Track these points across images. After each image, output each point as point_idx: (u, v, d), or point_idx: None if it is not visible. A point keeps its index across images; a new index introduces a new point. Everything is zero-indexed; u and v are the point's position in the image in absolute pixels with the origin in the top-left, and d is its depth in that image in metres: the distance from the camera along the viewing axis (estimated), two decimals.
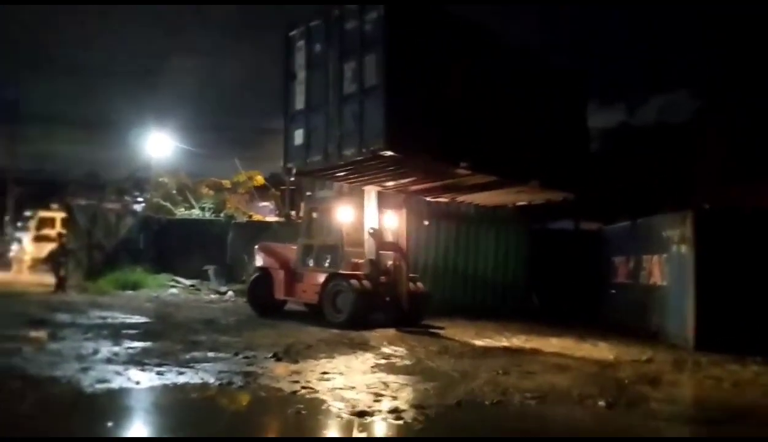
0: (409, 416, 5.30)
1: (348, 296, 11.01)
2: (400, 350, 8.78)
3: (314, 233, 12.34)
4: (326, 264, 11.81)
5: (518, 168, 10.93)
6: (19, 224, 24.96)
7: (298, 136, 10.06)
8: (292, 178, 10.70)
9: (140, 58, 77.70)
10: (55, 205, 23.77)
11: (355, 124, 9.24)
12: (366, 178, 10.87)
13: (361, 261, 11.59)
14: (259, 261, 13.21)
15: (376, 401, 5.72)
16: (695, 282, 10.68)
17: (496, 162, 10.47)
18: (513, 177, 11.18)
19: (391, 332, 10.62)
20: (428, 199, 13.35)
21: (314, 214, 12.56)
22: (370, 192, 11.45)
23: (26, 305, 11.74)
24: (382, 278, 11.39)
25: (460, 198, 13.13)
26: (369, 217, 11.43)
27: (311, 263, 12.08)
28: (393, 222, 11.82)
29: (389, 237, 11.76)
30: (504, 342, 10.43)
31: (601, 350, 10.11)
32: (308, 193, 13.69)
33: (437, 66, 9.57)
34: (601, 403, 6.14)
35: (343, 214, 11.87)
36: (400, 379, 6.81)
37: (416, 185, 11.64)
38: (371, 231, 11.37)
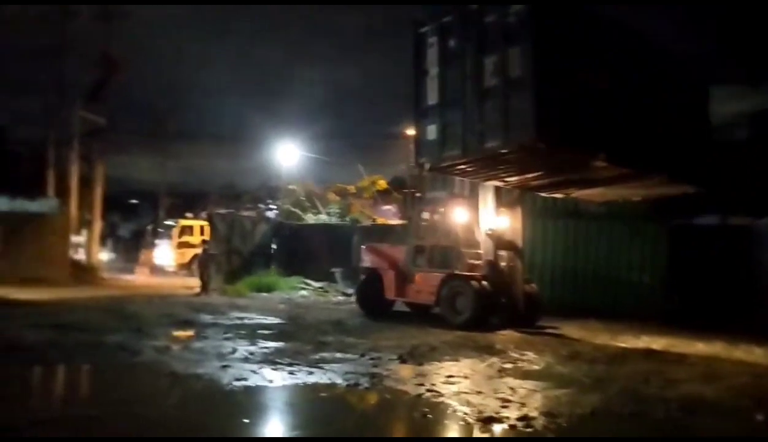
0: (539, 424, 5.07)
1: (468, 297, 10.90)
2: (529, 354, 8.46)
3: (426, 234, 12.28)
4: (441, 265, 11.74)
5: (650, 161, 10.27)
6: (160, 231, 26.64)
7: (431, 132, 10.06)
8: (425, 173, 10.63)
9: (266, 72, 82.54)
10: (189, 215, 26.16)
11: (499, 117, 9.11)
12: (494, 173, 10.70)
13: (477, 262, 11.42)
14: (366, 262, 13.30)
15: (503, 407, 5.54)
16: None
17: (630, 155, 9.90)
18: (645, 170, 10.49)
19: (514, 334, 10.37)
20: (542, 195, 12.88)
21: (425, 215, 12.51)
22: (487, 191, 11.24)
23: (173, 306, 12.79)
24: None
25: (575, 194, 12.50)
26: (486, 217, 11.24)
27: (423, 263, 12.04)
28: (507, 221, 11.49)
29: (505, 237, 11.46)
30: (641, 346, 9.72)
31: (757, 357, 9.10)
32: (417, 195, 13.70)
33: (580, 58, 9.28)
34: (759, 417, 5.49)
35: (458, 214, 11.73)
36: (529, 384, 6.55)
37: (540, 180, 11.24)
38: (489, 232, 11.17)
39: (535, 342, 9.64)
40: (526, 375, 7.10)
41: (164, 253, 24.01)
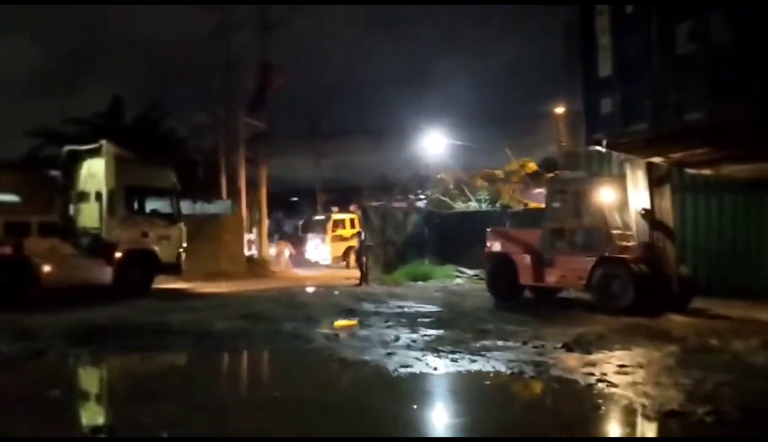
0: (732, 418, 4.60)
1: (626, 281, 10.29)
2: (713, 342, 7.71)
3: (565, 216, 11.64)
4: (586, 248, 11.08)
5: None
6: (311, 225, 26.41)
7: (607, 105, 9.56)
8: (603, 149, 9.94)
9: (416, 62, 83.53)
10: (335, 209, 26.79)
11: (702, 87, 8.42)
12: (667, 148, 9.94)
13: (628, 244, 10.67)
14: (496, 247, 12.88)
15: (688, 400, 5.10)
16: None
17: None
18: None
19: (688, 319, 9.66)
20: (690, 171, 11.81)
21: (562, 196, 11.82)
22: (638, 169, 10.42)
23: (337, 296, 13.49)
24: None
25: (726, 169, 11.32)
26: (638, 196, 10.48)
27: (564, 247, 11.46)
28: (654, 199, 10.52)
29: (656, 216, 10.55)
30: None
31: None
32: (550, 175, 12.96)
33: None
34: None
35: (606, 194, 11.01)
36: (716, 376, 5.95)
37: (707, 155, 10.27)
38: (642, 212, 10.41)
39: (718, 328, 8.78)
40: (710, 366, 6.48)
41: (317, 247, 24.44)
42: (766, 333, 8.32)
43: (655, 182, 10.60)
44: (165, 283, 14.80)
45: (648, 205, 10.47)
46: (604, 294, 10.62)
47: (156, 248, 13.76)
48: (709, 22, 8.04)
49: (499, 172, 23.99)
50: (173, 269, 14.34)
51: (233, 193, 23.25)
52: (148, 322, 9.52)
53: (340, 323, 9.74)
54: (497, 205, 21.45)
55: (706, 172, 11.99)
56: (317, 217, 26.76)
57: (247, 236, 23.02)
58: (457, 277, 17.43)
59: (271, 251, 24.20)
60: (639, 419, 4.81)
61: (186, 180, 16.50)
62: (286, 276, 20.53)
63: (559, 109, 26.46)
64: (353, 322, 9.82)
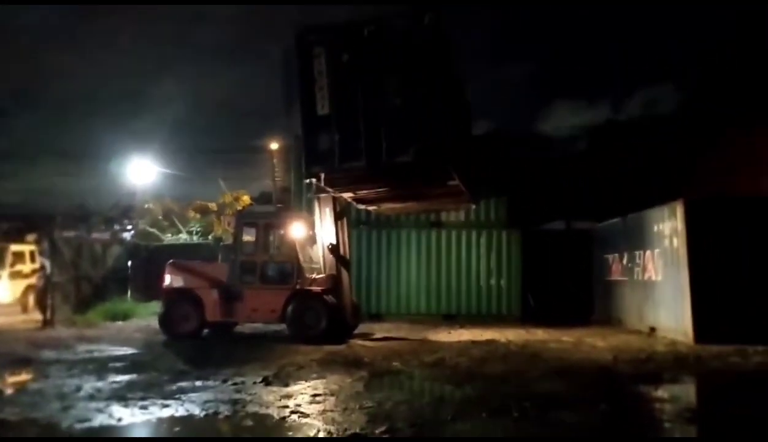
0: (404, 435, 5.08)
1: (319, 311, 10.97)
2: (395, 364, 8.54)
3: (256, 249, 11.89)
4: (277, 281, 11.49)
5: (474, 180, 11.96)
6: None
7: (324, 142, 9.91)
8: (319, 182, 10.32)
9: (124, 85, 77.60)
10: (30, 238, 21.70)
11: (409, 133, 9.43)
12: (365, 185, 11.00)
13: (317, 276, 11.42)
14: (176, 282, 12.09)
15: (369, 421, 5.49)
16: (690, 275, 10.53)
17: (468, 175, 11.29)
18: (472, 190, 11.99)
19: (373, 344, 10.80)
20: (360, 207, 13.47)
21: (253, 230, 12.07)
22: (326, 204, 11.31)
23: (8, 343, 11.36)
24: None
25: (384, 207, 13.48)
26: (326, 230, 11.32)
27: (255, 280, 11.60)
28: (338, 233, 11.52)
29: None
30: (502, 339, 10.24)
31: (600, 351, 9.93)
32: (239, 209, 13.47)
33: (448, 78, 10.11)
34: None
35: (295, 228, 11.65)
36: (395, 396, 6.57)
37: (385, 193, 11.83)
38: (330, 246, 11.28)
39: (402, 350, 9.80)
40: (392, 387, 7.13)
41: None
42: (437, 351, 9.58)
43: (337, 217, 11.51)
44: None
45: (334, 240, 11.27)
46: (299, 325, 11.02)
47: None
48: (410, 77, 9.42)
49: (213, 205, 23.52)
50: None
51: None
52: None
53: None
54: (210, 237, 20.91)
55: (371, 208, 13.66)
56: None
57: None
58: None
59: None
60: None
61: None
62: None
63: (274, 145, 27.19)
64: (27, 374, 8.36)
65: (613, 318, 14.04)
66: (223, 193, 23.93)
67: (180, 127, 66.53)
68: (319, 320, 10.93)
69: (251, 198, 24.20)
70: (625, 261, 13.72)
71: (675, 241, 11.11)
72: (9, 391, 7.25)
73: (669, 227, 11.38)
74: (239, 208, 23.50)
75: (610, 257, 14.65)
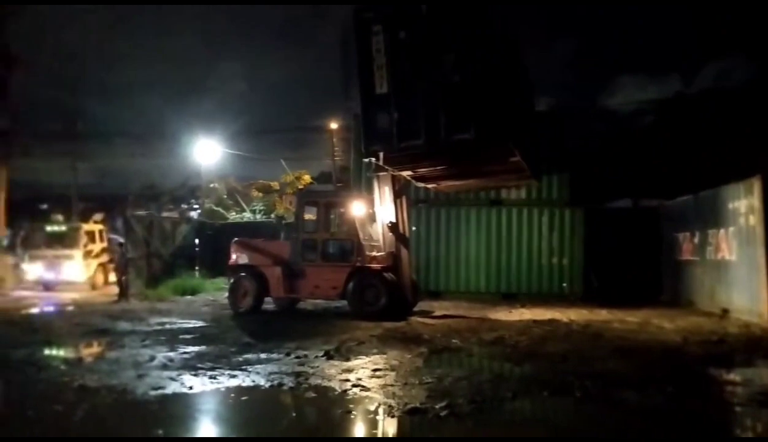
0: (463, 411, 5.11)
1: (379, 289, 11.07)
2: (454, 341, 8.56)
3: (317, 228, 12.10)
4: (338, 259, 11.67)
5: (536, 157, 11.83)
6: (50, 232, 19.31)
7: (383, 120, 9.98)
8: (378, 161, 10.36)
9: (184, 66, 79.79)
10: (97, 217, 21.23)
11: (469, 112, 9.35)
12: (423, 163, 10.95)
13: (377, 254, 11.47)
14: (242, 259, 12.45)
15: (428, 397, 5.54)
16: (767, 254, 10.01)
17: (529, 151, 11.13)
18: (534, 166, 11.84)
19: (433, 321, 10.76)
20: (419, 185, 13.32)
21: (314, 209, 12.27)
22: (385, 183, 11.30)
23: (89, 315, 12.05)
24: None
25: (442, 185, 13.28)
26: (385, 209, 11.32)
27: (316, 258, 11.80)
28: (397, 212, 11.54)
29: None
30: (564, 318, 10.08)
31: (668, 333, 9.61)
32: (299, 188, 13.64)
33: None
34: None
35: (356, 207, 11.72)
36: (455, 372, 6.60)
37: (445, 171, 11.75)
38: (389, 224, 11.28)
39: (460, 327, 9.80)
40: (452, 363, 7.15)
41: (66, 264, 18.67)
42: (496, 330, 9.52)
43: (397, 195, 11.53)
44: None
45: (393, 218, 11.30)
46: (359, 302, 11.16)
47: None
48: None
49: (275, 184, 24.05)
50: None
51: None
52: None
53: None
54: (272, 216, 21.42)
55: (431, 186, 13.53)
56: (55, 228, 19.78)
57: None
58: None
59: (31, 269, 18.72)
60: (384, 419, 5.06)
61: None
62: (29, 296, 17.84)
63: (334, 124, 27.44)
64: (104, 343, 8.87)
65: (682, 299, 13.53)
66: (285, 173, 24.41)
67: (242, 108, 68.06)
68: (378, 297, 11.05)
69: (312, 177, 24.57)
70: (696, 240, 13.16)
71: (751, 219, 10.57)
72: (89, 359, 7.72)
73: (744, 204, 10.82)
74: (299, 187, 23.99)
75: (680, 235, 14.07)
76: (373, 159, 10.48)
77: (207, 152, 27.68)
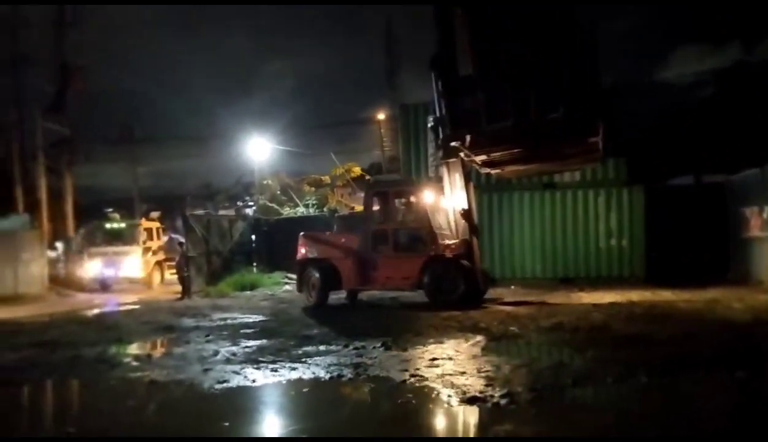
0: (522, 399, 5.06)
1: (455, 277, 10.95)
2: (512, 328, 8.47)
3: (387, 218, 12.08)
4: (410, 248, 11.61)
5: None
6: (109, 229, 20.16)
7: (467, 103, 9.97)
8: (463, 144, 10.41)
9: (234, 66, 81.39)
10: (154, 215, 21.80)
11: (561, 90, 9.33)
12: (502, 147, 10.84)
13: (450, 242, 11.34)
14: (311, 252, 12.56)
15: (487, 385, 5.51)
16: None
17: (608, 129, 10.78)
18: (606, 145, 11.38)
19: (497, 308, 10.49)
20: (482, 170, 13.11)
21: (383, 199, 12.26)
22: (455, 170, 11.16)
23: (155, 313, 12.55)
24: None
25: (507, 169, 12.95)
26: (456, 196, 11.21)
27: (388, 248, 11.78)
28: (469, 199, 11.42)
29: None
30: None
31: (737, 313, 9.21)
32: (368, 179, 13.63)
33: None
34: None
35: (426, 196, 11.64)
36: (513, 360, 6.54)
37: (518, 155, 11.51)
38: (462, 211, 11.15)
39: (519, 314, 9.70)
40: (510, 352, 7.08)
41: (125, 261, 19.32)
42: (555, 316, 9.35)
43: (466, 182, 11.42)
44: None
45: (465, 205, 11.18)
46: (436, 291, 11.11)
47: None
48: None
49: (326, 178, 24.32)
50: None
51: (32, 206, 20.74)
52: None
53: None
54: (325, 209, 21.68)
55: (494, 172, 13.27)
56: (114, 226, 20.49)
57: (52, 253, 20.54)
58: (286, 284, 17.26)
59: (91, 266, 19.65)
60: (442, 408, 5.07)
61: None
62: (97, 295, 18.72)
63: (381, 115, 27.47)
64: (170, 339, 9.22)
65: (751, 278, 12.93)
66: (335, 167, 24.65)
67: (290, 104, 68.96)
68: (456, 285, 10.93)
69: (361, 169, 24.72)
70: (765, 215, 12.53)
71: None
72: (157, 355, 8.04)
73: None
74: (349, 178, 24.16)
75: (747, 211, 13.43)
76: (454, 143, 10.44)
77: (259, 150, 28.27)
